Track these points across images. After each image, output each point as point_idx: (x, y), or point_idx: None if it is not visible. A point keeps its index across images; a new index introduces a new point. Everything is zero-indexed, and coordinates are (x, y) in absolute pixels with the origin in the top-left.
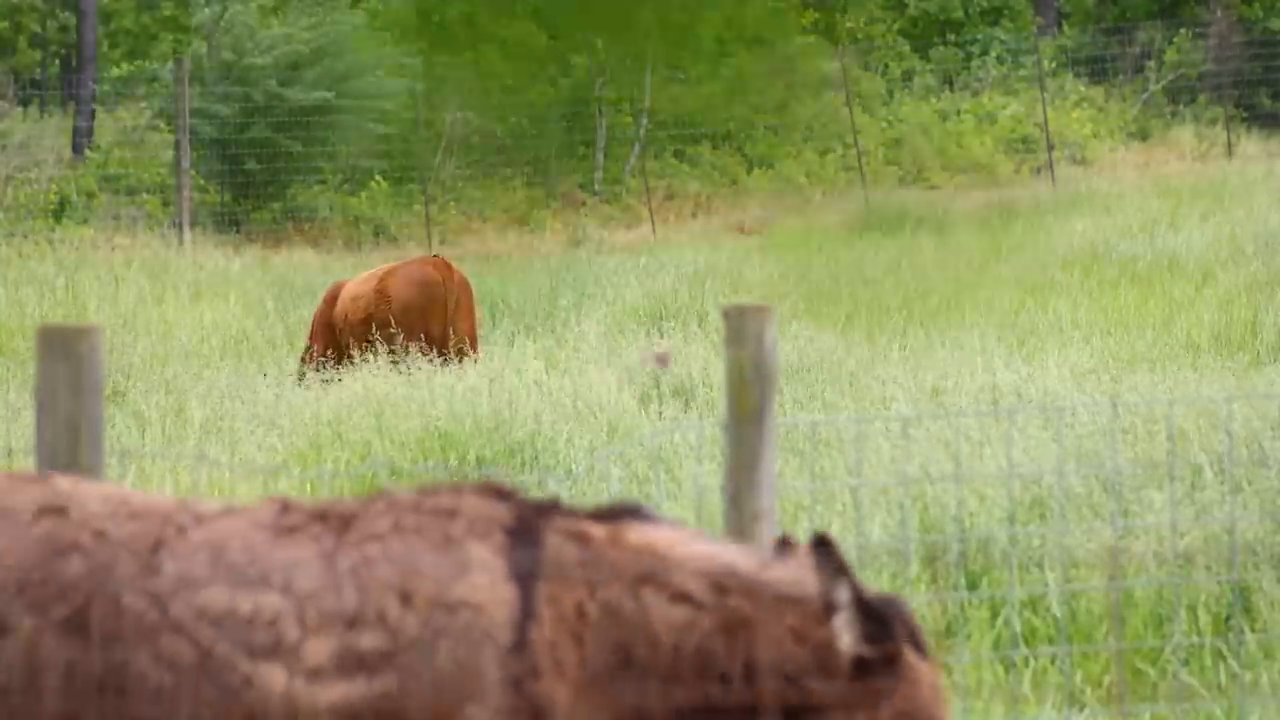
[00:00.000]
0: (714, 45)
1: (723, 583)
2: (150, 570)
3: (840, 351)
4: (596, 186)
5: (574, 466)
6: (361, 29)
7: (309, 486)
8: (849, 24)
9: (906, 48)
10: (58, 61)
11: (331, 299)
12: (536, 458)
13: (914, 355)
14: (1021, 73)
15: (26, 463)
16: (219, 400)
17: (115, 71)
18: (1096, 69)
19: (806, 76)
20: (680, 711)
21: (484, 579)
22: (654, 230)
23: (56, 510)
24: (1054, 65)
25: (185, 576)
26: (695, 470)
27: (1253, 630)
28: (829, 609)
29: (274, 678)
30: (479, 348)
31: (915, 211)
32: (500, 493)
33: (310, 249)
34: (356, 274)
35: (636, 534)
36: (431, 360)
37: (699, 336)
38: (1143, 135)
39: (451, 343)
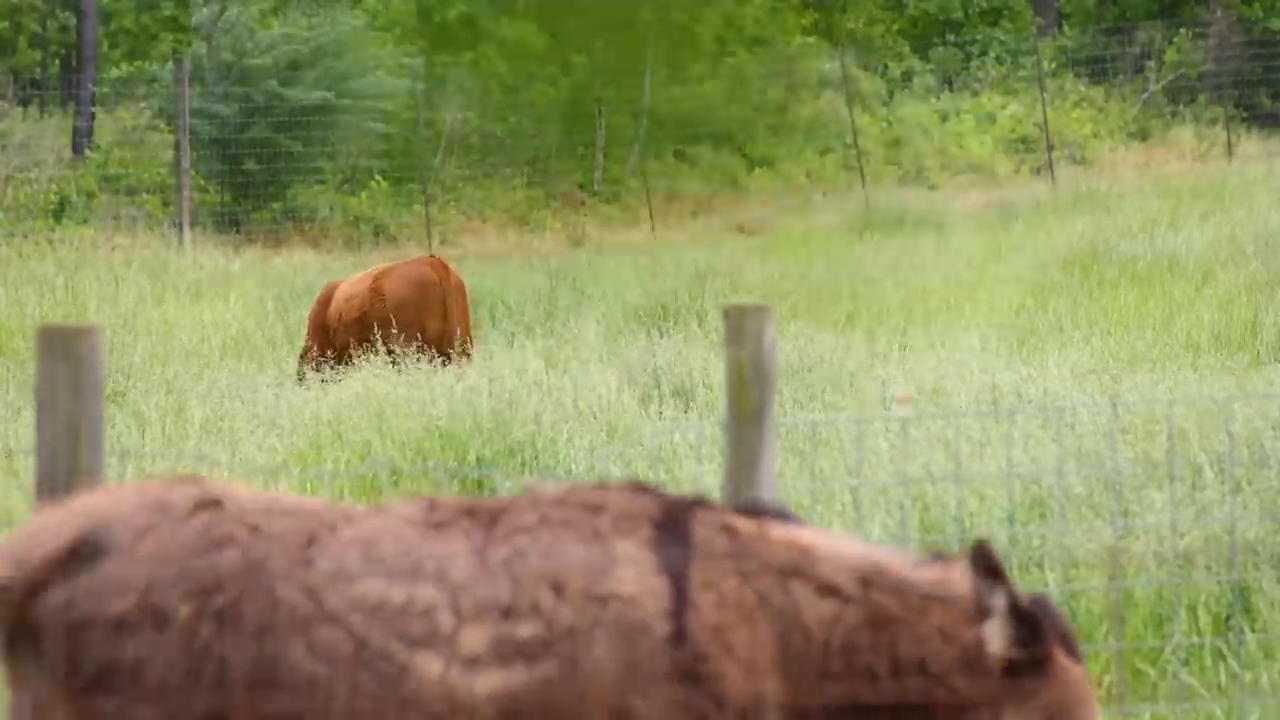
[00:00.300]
0: (714, 45)
1: (869, 578)
2: (304, 563)
3: (840, 351)
4: (596, 186)
5: (574, 466)
6: (361, 29)
7: (309, 486)
8: (849, 24)
9: (906, 48)
10: (58, 61)
11: (325, 299)
12: (536, 458)
13: (914, 355)
14: (1021, 73)
15: (26, 463)
16: (219, 400)
17: (115, 71)
18: (1096, 69)
19: (806, 76)
20: (830, 705)
21: (631, 573)
22: (654, 230)
23: (212, 504)
24: (1054, 65)
25: (339, 569)
26: (695, 470)
27: (1253, 630)
28: (982, 613)
29: (430, 666)
30: (473, 349)
31: (915, 211)
32: (643, 488)
33: (310, 249)
34: (354, 274)
35: (781, 530)
36: (429, 359)
37: (699, 336)
38: (1143, 135)
39: (448, 343)
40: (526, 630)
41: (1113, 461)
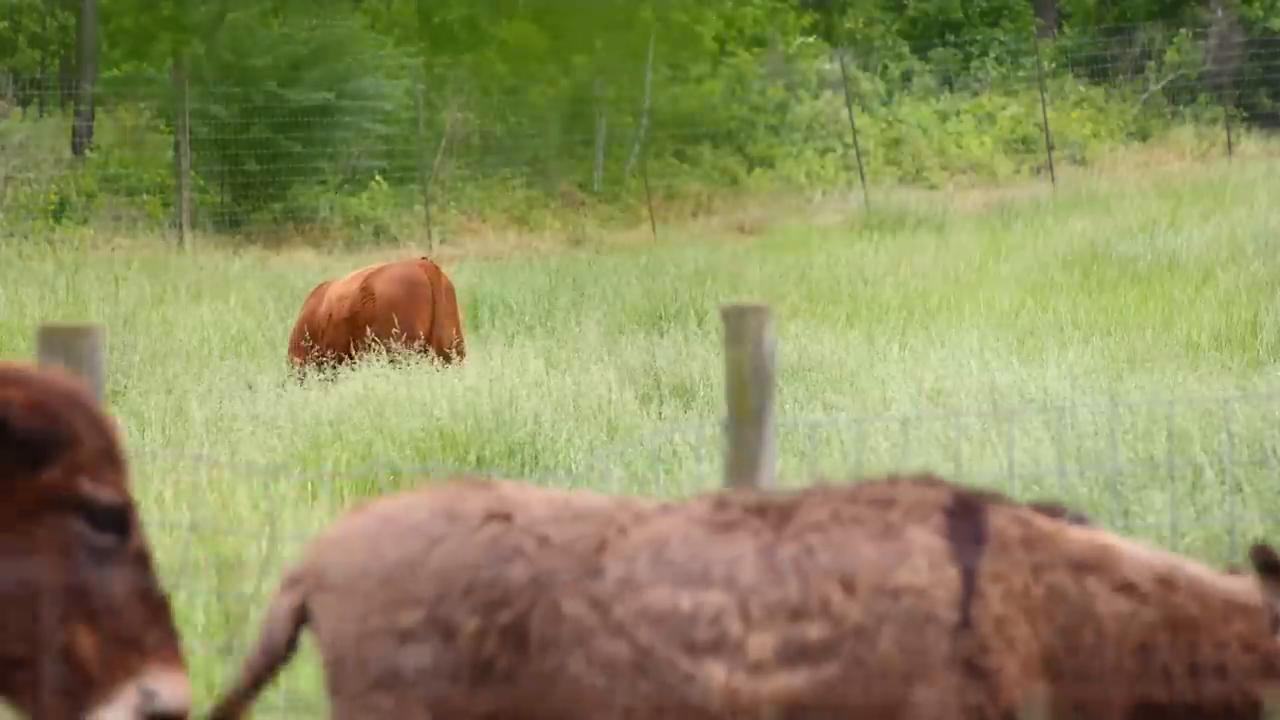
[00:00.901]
0: (714, 45)
1: (1169, 580)
2: (593, 573)
3: (840, 351)
4: (596, 186)
5: (574, 466)
6: (361, 29)
7: (309, 486)
8: (848, 25)
9: (906, 48)
10: (58, 61)
11: (316, 300)
12: (536, 458)
13: (914, 355)
14: (1021, 73)
15: None
16: (219, 400)
17: (115, 72)
18: (1096, 69)
19: (806, 76)
20: (1120, 702)
21: (924, 562)
22: (654, 230)
23: (502, 516)
24: (1054, 65)
25: (628, 578)
26: (695, 470)
27: None
28: (1275, 623)
29: (715, 673)
30: (463, 352)
31: (915, 211)
32: (935, 481)
33: (310, 249)
34: (345, 274)
35: (1078, 530)
36: (420, 359)
37: (699, 336)
38: (1143, 135)
39: (438, 343)
40: (815, 631)
41: (1113, 461)
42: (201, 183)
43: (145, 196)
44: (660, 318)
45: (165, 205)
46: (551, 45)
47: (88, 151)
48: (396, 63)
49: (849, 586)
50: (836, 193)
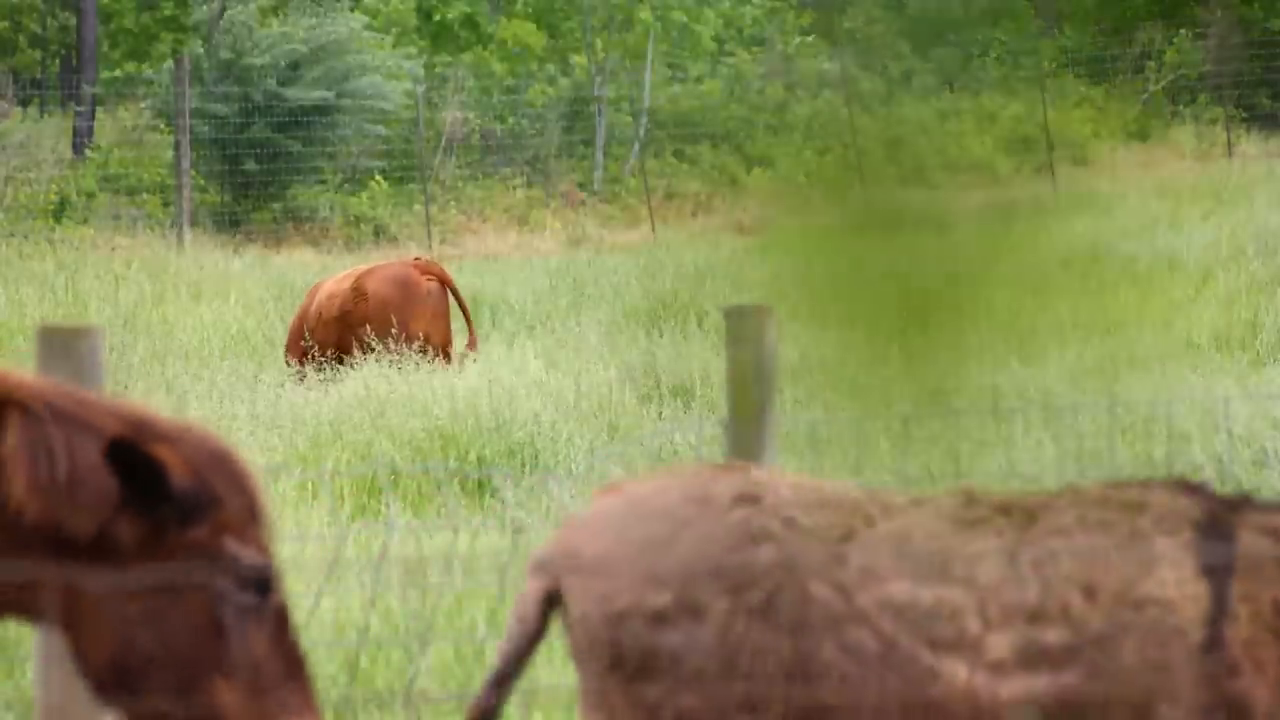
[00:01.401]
0: (713, 45)
1: None
2: (838, 560)
3: (840, 351)
4: (596, 186)
5: (574, 466)
6: (361, 29)
7: (309, 486)
8: (848, 24)
9: (906, 48)
10: (58, 61)
11: (310, 298)
12: (536, 458)
13: (913, 355)
14: (1021, 73)
15: None
16: (219, 400)
17: (115, 72)
18: (1096, 69)
19: (806, 76)
20: None
21: (1172, 575)
22: (654, 230)
23: (751, 499)
24: (1054, 65)
25: (871, 568)
26: None
27: None
28: None
29: (956, 670)
30: (451, 350)
31: (915, 211)
32: (1189, 487)
33: (310, 249)
34: (338, 273)
35: None
36: (413, 358)
37: (699, 336)
38: (1143, 135)
39: (431, 342)
40: (1053, 636)
41: (1112, 461)
42: (201, 182)
43: (145, 196)
44: (660, 318)
45: (165, 205)
46: (551, 45)
47: (88, 151)
48: (396, 62)
49: (1090, 594)
50: (836, 193)
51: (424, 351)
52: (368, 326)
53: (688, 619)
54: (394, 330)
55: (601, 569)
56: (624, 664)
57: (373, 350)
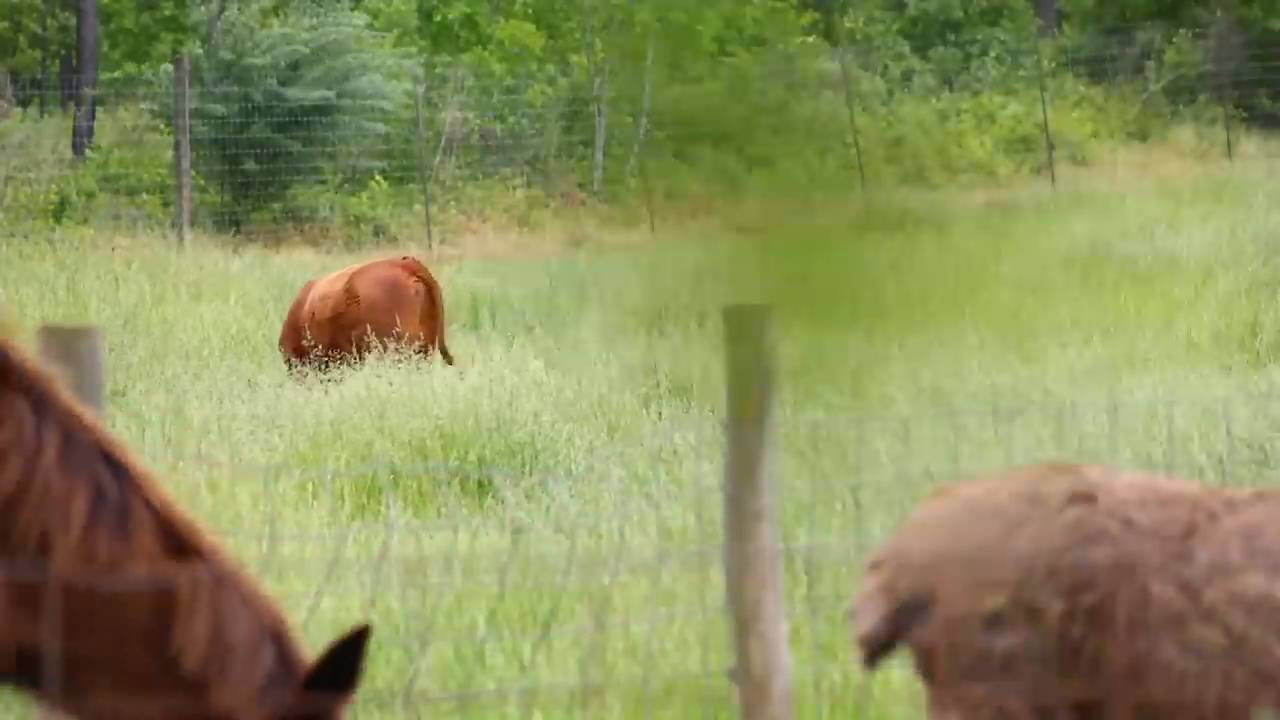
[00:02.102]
0: (714, 45)
1: None
2: (1180, 558)
3: (840, 351)
4: (596, 186)
5: (574, 466)
6: (361, 29)
7: (309, 487)
8: (848, 24)
9: (906, 48)
10: (58, 61)
11: (303, 298)
12: (536, 458)
13: (914, 355)
14: (1021, 73)
15: None
16: (219, 400)
17: (115, 72)
18: (1096, 69)
19: (806, 76)
20: None
21: None
22: (654, 230)
23: (1085, 498)
24: (1054, 65)
25: (1219, 563)
26: (695, 470)
27: None
28: None
29: None
30: (445, 349)
31: (915, 211)
32: None
33: (310, 249)
34: (330, 273)
35: None
36: (404, 358)
37: (699, 336)
38: (1142, 135)
39: (423, 342)
40: None
41: (1113, 461)
42: (201, 182)
43: (145, 196)
44: (660, 318)
45: (165, 205)
46: (551, 45)
47: (88, 151)
48: (396, 62)
49: None
50: (836, 193)
51: (423, 351)
52: (360, 328)
53: (1024, 621)
54: (389, 330)
55: (936, 571)
56: (964, 667)
57: (366, 353)
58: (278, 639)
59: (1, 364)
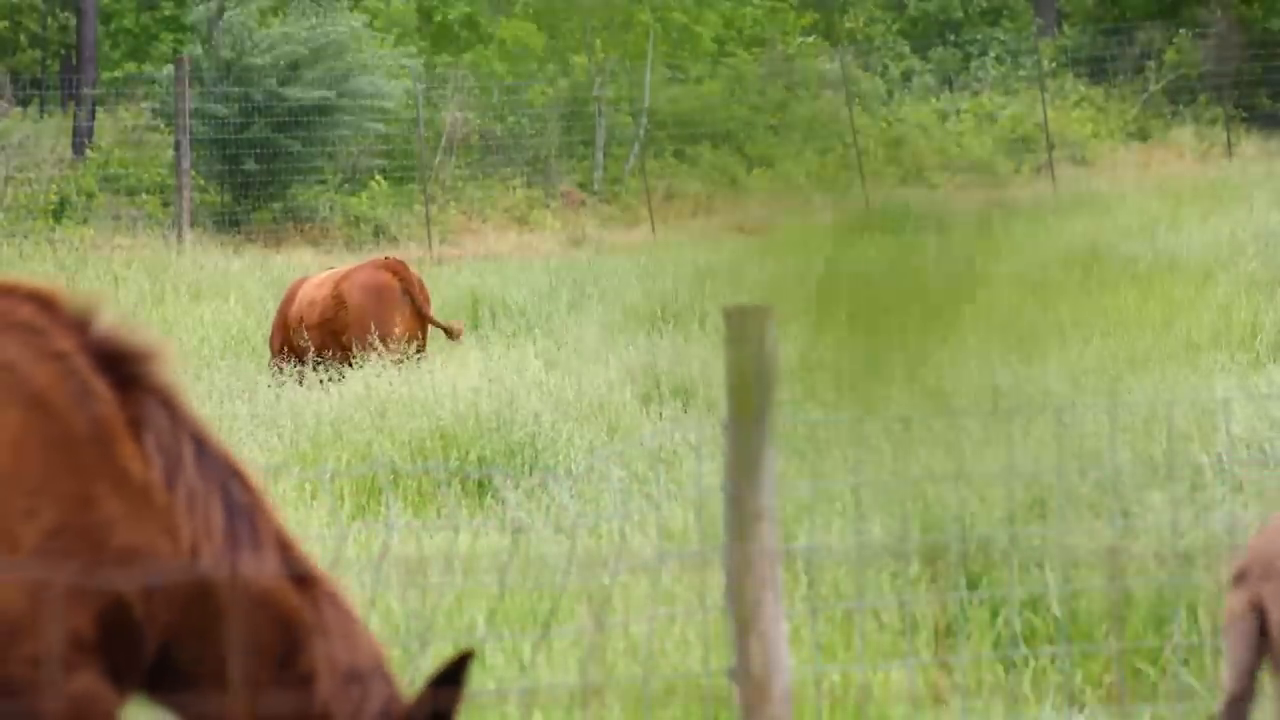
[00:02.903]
0: (713, 45)
1: None
2: None
3: (840, 351)
4: (596, 186)
5: (574, 466)
6: (361, 29)
7: (309, 487)
8: (848, 24)
9: (906, 48)
10: (58, 61)
11: (290, 297)
12: (536, 458)
13: (913, 355)
14: (1021, 73)
15: None
16: (219, 400)
17: (115, 72)
18: (1096, 69)
19: (806, 76)
20: None
21: None
22: (654, 230)
23: None
24: (1054, 65)
25: None
26: (695, 470)
27: None
28: None
29: None
30: (446, 328)
31: (915, 211)
32: None
33: (310, 249)
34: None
35: None
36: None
37: (699, 336)
38: (1143, 135)
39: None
40: None
41: (1113, 461)
42: (201, 182)
43: (145, 196)
44: (660, 318)
45: (165, 205)
46: (551, 45)
47: (88, 151)
48: (396, 62)
49: None
50: (836, 193)
51: (419, 352)
52: (348, 333)
53: None
54: (377, 333)
55: None
56: None
57: (354, 356)
58: (386, 673)
59: (136, 369)
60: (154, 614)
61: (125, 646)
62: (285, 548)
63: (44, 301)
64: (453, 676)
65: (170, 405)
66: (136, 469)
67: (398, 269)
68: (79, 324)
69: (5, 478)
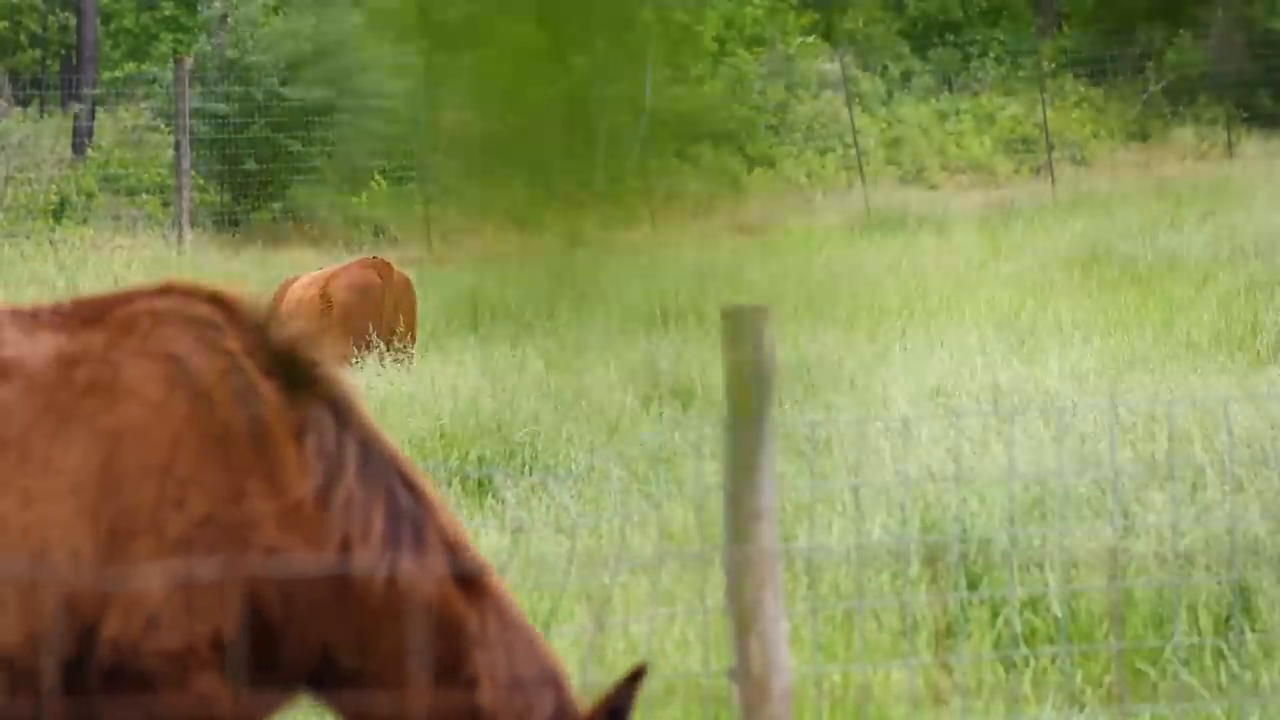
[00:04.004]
0: (714, 45)
1: None
2: None
3: (840, 351)
4: (596, 186)
5: (574, 466)
6: (362, 28)
7: None
8: (848, 25)
9: (906, 48)
10: (58, 61)
11: (280, 299)
12: (536, 458)
13: (914, 355)
14: (1021, 73)
15: None
16: None
17: (115, 72)
18: (1096, 69)
19: (806, 77)
20: None
21: None
22: (654, 230)
23: None
24: (1054, 65)
25: None
26: (695, 470)
27: (1253, 630)
28: None
29: None
30: (413, 348)
31: (915, 211)
32: None
33: (310, 249)
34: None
35: None
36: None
37: (699, 337)
38: (1143, 135)
39: (392, 342)
40: None
41: (1113, 462)
42: (201, 182)
43: (145, 196)
44: (660, 318)
45: (165, 205)
46: (551, 45)
47: (88, 151)
48: (396, 62)
49: None
50: (836, 193)
51: (408, 350)
52: (336, 333)
53: None
54: (365, 333)
55: None
56: None
57: (346, 357)
58: (557, 682)
59: (310, 372)
60: (294, 616)
61: (262, 648)
62: (454, 552)
63: (222, 302)
64: (626, 691)
65: (338, 410)
66: (289, 472)
67: (383, 269)
68: (254, 326)
69: (161, 465)
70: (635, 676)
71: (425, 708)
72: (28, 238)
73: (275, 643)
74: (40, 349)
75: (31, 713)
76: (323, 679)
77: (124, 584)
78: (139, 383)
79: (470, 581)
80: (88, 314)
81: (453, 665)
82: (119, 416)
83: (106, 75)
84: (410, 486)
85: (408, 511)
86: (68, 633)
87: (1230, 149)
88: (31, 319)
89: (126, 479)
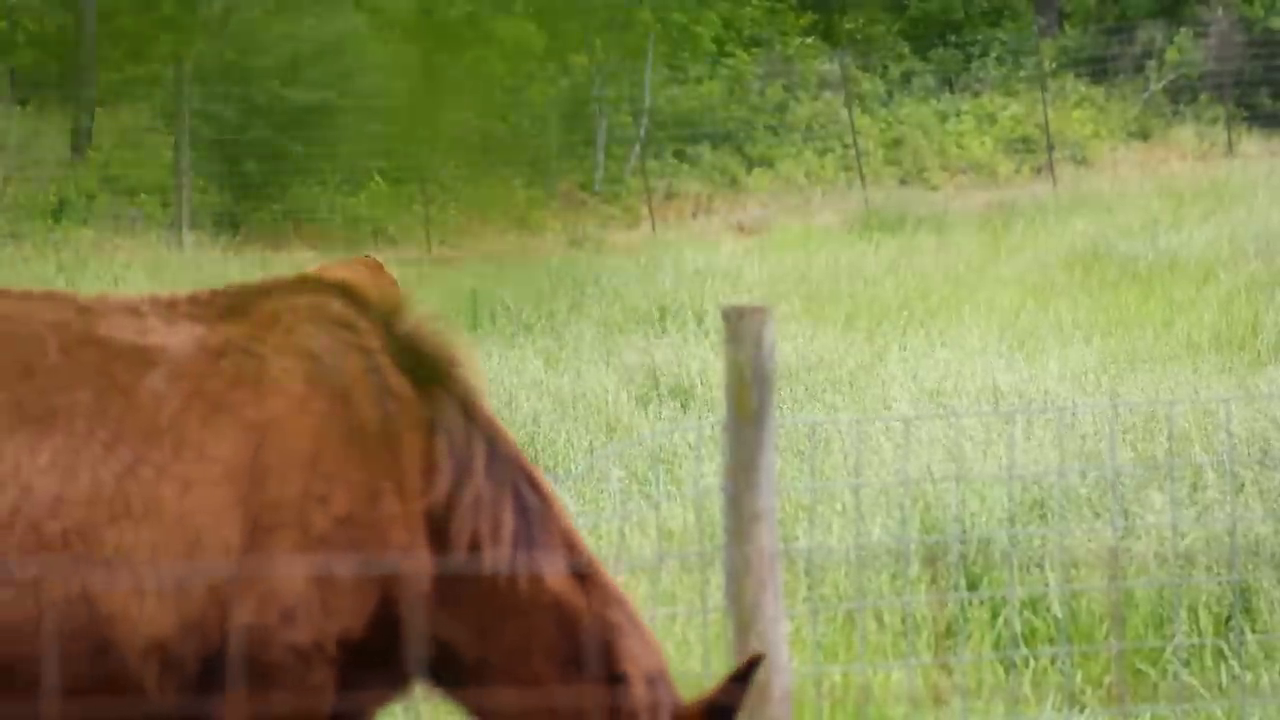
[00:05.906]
0: (713, 46)
1: None
2: None
3: (840, 351)
4: (596, 186)
5: (574, 466)
6: (362, 28)
7: None
8: (848, 25)
9: (906, 48)
10: (58, 62)
11: None
12: (536, 458)
13: (914, 355)
14: (1022, 73)
15: None
16: None
17: (115, 72)
18: (1097, 69)
19: (806, 77)
20: None
21: None
22: (654, 230)
23: None
24: (1054, 65)
25: None
26: (695, 470)
27: (1253, 630)
28: None
29: None
30: None
31: (915, 211)
32: None
33: (310, 249)
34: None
35: None
36: None
37: (699, 336)
38: (1143, 135)
39: None
40: None
41: (1113, 462)
42: (201, 183)
43: (145, 197)
44: (660, 318)
45: (165, 205)
46: (551, 45)
47: (88, 151)
48: (397, 62)
49: None
50: (836, 193)
51: None
52: None
53: None
54: None
55: None
56: None
57: None
58: (667, 674)
59: (436, 369)
60: (420, 614)
61: (382, 645)
62: (573, 549)
63: (354, 297)
64: (741, 678)
65: (467, 407)
66: (422, 473)
67: (373, 268)
68: (385, 322)
69: (306, 461)
70: (746, 671)
71: (571, 704)
72: (28, 238)
73: (394, 640)
74: (182, 338)
75: (176, 705)
76: (443, 674)
77: (267, 573)
78: (283, 377)
79: (587, 577)
80: (225, 307)
81: (601, 661)
82: (266, 410)
83: (106, 75)
84: (533, 484)
85: (533, 509)
86: (211, 622)
87: (1230, 148)
88: (169, 308)
89: (273, 473)
